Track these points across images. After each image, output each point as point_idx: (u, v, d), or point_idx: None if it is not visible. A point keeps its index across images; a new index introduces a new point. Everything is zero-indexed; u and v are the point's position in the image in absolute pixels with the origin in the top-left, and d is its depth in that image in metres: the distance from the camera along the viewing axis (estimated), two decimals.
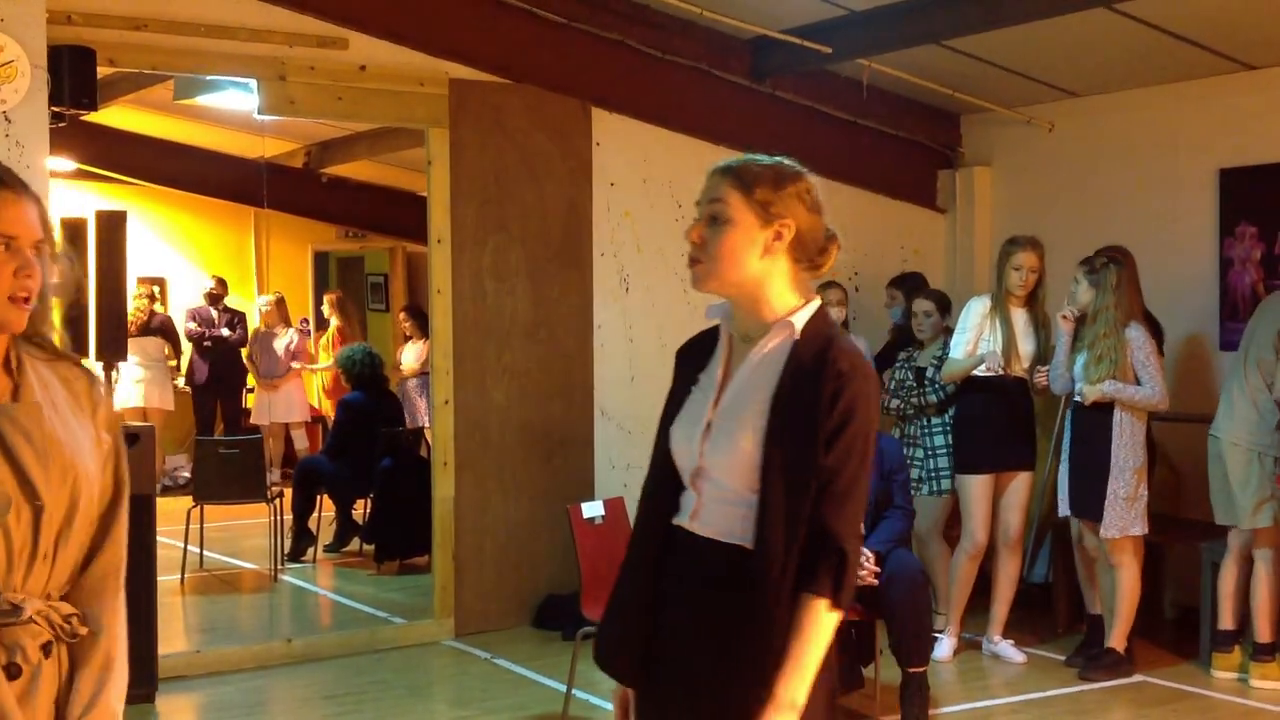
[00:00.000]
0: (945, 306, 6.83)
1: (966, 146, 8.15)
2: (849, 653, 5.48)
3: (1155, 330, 6.24)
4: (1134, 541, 5.94)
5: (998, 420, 6.22)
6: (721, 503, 2.36)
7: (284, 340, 11.22)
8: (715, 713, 2.33)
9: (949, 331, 6.79)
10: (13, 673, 2.00)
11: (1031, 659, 6.28)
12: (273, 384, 11.26)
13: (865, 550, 5.16)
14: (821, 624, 2.27)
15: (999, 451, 6.24)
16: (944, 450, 6.59)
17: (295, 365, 11.22)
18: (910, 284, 7.36)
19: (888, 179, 8.05)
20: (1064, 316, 6.12)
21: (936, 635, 5.96)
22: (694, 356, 2.51)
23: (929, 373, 6.66)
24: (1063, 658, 6.29)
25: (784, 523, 2.27)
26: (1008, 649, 6.29)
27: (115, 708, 2.15)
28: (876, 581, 5.11)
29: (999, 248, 6.43)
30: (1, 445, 1.99)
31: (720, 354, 2.46)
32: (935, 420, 6.61)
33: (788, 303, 2.40)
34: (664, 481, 2.47)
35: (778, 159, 2.46)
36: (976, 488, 6.24)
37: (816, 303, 2.42)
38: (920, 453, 6.62)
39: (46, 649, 2.04)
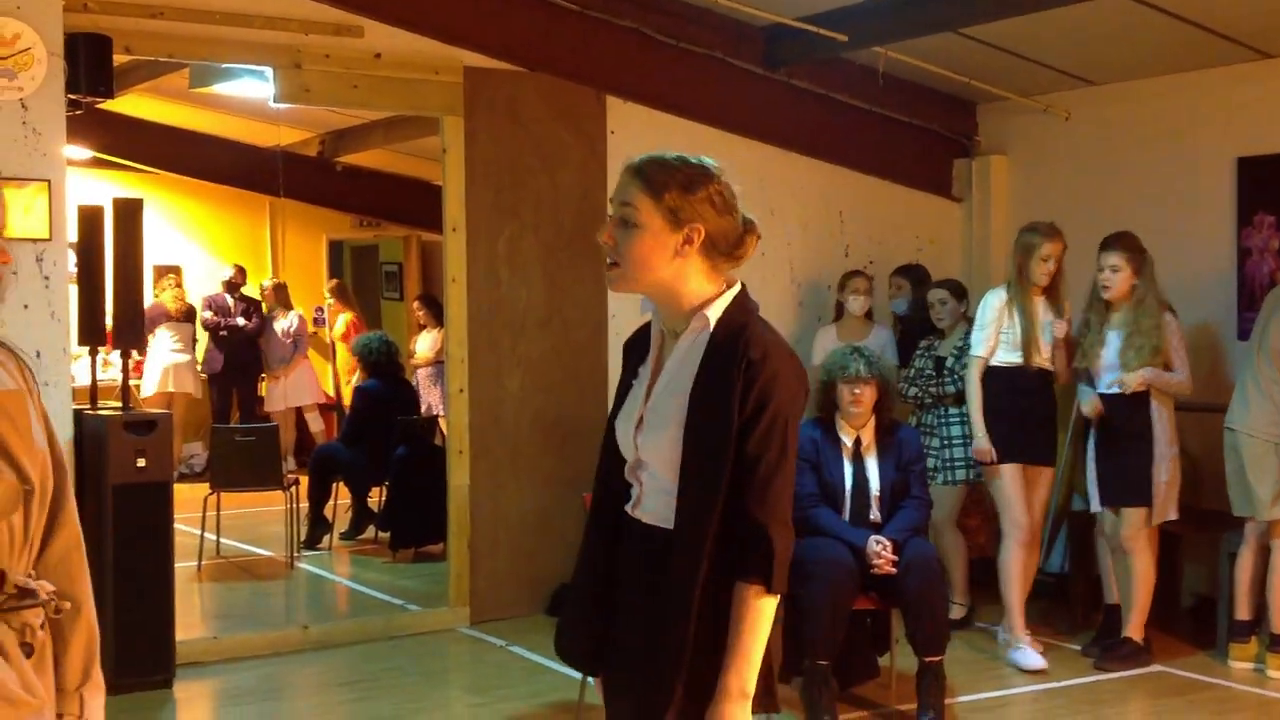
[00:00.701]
0: (960, 294, 6.82)
1: (982, 135, 8.12)
2: (865, 641, 5.49)
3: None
4: (1151, 531, 5.93)
5: (1019, 412, 6.09)
6: (659, 491, 2.43)
7: (283, 324, 11.28)
8: (646, 699, 2.38)
9: (968, 319, 6.78)
10: (26, 652, 2.06)
11: (1048, 648, 6.27)
12: (281, 369, 11.33)
13: (882, 539, 5.15)
14: (757, 610, 2.31)
15: (1022, 443, 6.10)
16: (959, 440, 6.58)
17: (296, 349, 11.28)
18: (917, 275, 7.32)
19: (903, 168, 8.03)
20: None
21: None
22: (637, 349, 2.57)
23: (948, 362, 6.64)
24: (1079, 648, 6.28)
25: (696, 508, 2.33)
26: (1030, 655, 5.98)
27: (101, 678, 2.23)
28: (894, 570, 5.11)
29: (1015, 237, 6.39)
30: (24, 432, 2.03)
31: (653, 348, 2.52)
32: (953, 410, 6.60)
33: (705, 294, 2.43)
34: (614, 471, 2.53)
35: (688, 159, 2.47)
36: (1005, 477, 6.09)
37: (733, 291, 2.45)
38: (936, 442, 6.60)
39: (43, 626, 2.10)
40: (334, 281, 12.02)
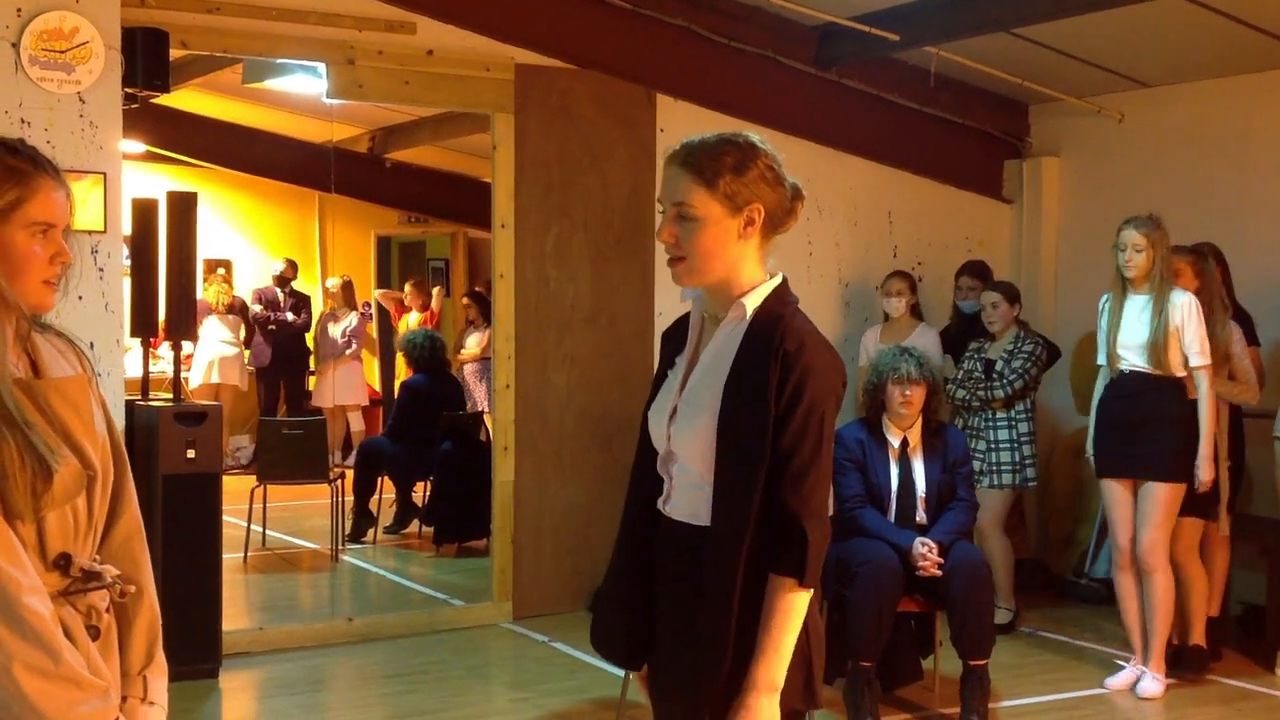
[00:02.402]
0: (1014, 297, 6.76)
1: (1035, 136, 8.06)
2: (909, 644, 5.46)
3: None
4: (1188, 536, 5.87)
5: (1123, 422, 5.62)
6: (688, 486, 2.39)
7: (343, 324, 11.34)
8: (690, 696, 2.36)
9: (1019, 322, 6.73)
10: (92, 635, 2.09)
11: (1091, 653, 6.21)
12: (330, 366, 11.39)
13: (928, 541, 5.13)
14: (790, 603, 2.28)
15: (1126, 456, 5.63)
16: (1006, 444, 6.54)
17: (350, 350, 11.34)
18: (982, 271, 7.22)
19: (953, 168, 7.98)
20: None
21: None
22: (676, 339, 2.52)
23: (998, 365, 6.59)
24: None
25: (733, 504, 2.29)
26: (1152, 683, 5.65)
27: (164, 661, 2.26)
28: (939, 573, 5.08)
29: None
30: (57, 419, 2.05)
31: (692, 337, 2.48)
32: (1000, 414, 6.56)
33: (753, 281, 2.39)
34: (647, 465, 2.49)
35: (730, 138, 2.38)
36: (1110, 493, 5.71)
37: (773, 281, 2.40)
38: (983, 445, 6.56)
39: (108, 610, 2.14)
40: (410, 283, 12.08)
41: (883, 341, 6.84)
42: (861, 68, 7.44)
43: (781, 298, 2.39)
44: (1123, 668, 5.78)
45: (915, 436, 5.37)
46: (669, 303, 7.15)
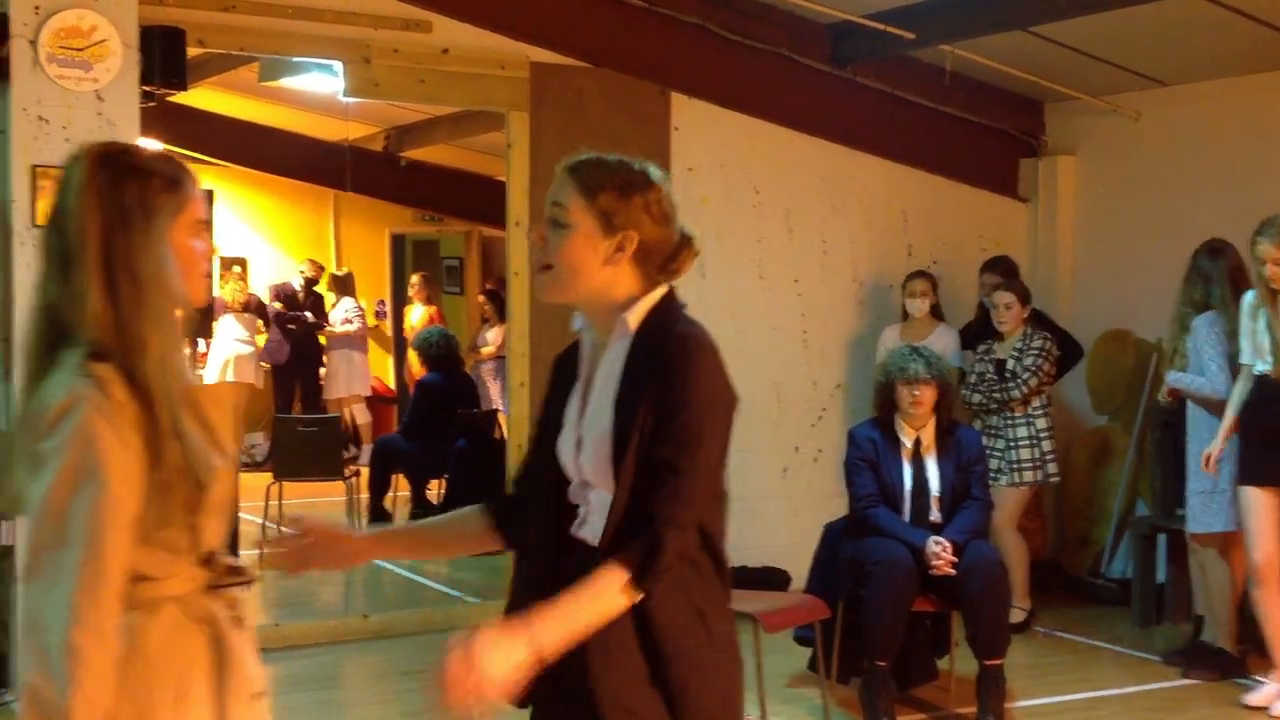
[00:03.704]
0: (1026, 298, 6.75)
1: (1050, 135, 8.03)
2: (924, 643, 5.46)
3: None
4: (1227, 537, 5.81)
5: (1270, 427, 5.39)
6: (603, 510, 2.25)
7: (336, 312, 11.45)
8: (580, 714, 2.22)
9: (1030, 323, 6.71)
10: (236, 625, 2.17)
11: (1107, 654, 6.21)
12: (329, 356, 11.46)
13: (942, 540, 5.12)
14: (611, 594, 2.12)
15: (1270, 463, 5.40)
16: (1025, 442, 6.53)
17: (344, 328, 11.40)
18: (1008, 268, 7.18)
19: (968, 167, 7.96)
20: None
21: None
22: (567, 368, 2.41)
23: (1009, 364, 6.58)
24: (1140, 653, 6.21)
25: (626, 522, 2.17)
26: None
27: None
28: (953, 572, 5.07)
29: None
30: (210, 424, 2.09)
31: (583, 366, 2.37)
32: (1019, 413, 6.54)
33: (629, 295, 2.29)
34: (550, 489, 2.36)
35: (629, 162, 2.33)
36: (1255, 502, 5.43)
37: (657, 293, 2.30)
38: (1001, 444, 6.55)
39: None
40: (419, 275, 12.10)
41: (903, 340, 6.83)
42: (876, 66, 7.42)
43: (667, 307, 2.30)
44: (1261, 684, 5.52)
45: (929, 436, 5.36)
46: (683, 300, 7.13)
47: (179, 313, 2.07)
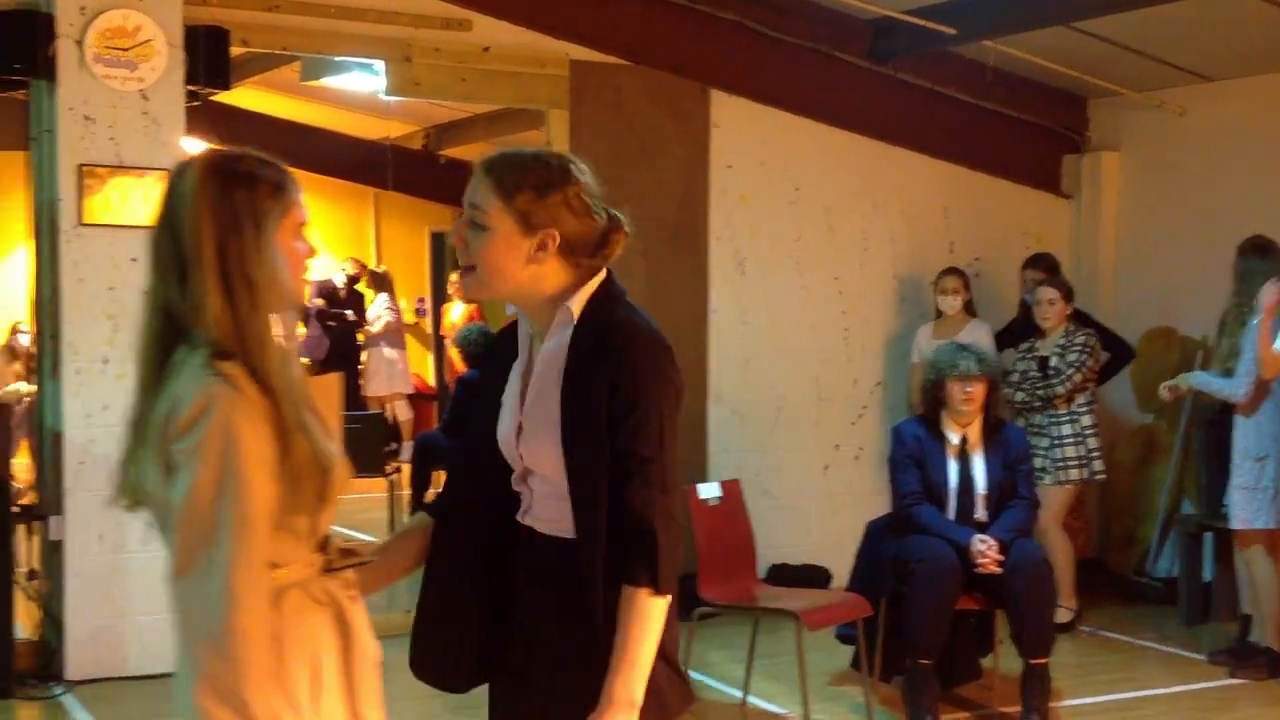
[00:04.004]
0: (1070, 295, 6.70)
1: (1094, 131, 7.97)
2: (968, 642, 5.43)
3: None
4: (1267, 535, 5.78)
5: None
6: (551, 497, 2.28)
7: (370, 309, 11.49)
8: (556, 714, 2.25)
9: (1072, 319, 6.66)
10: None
11: (1153, 653, 6.15)
12: (367, 354, 11.51)
13: (987, 538, 5.08)
14: (645, 613, 2.17)
15: None
16: (1070, 439, 6.48)
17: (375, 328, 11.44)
18: (1050, 264, 7.13)
19: (1011, 163, 7.91)
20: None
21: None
22: (504, 349, 2.42)
23: (1053, 361, 6.54)
24: (1186, 653, 6.15)
25: (592, 510, 2.20)
26: None
27: None
28: (999, 570, 5.04)
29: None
30: (319, 415, 2.17)
31: (522, 352, 2.37)
32: (1062, 409, 6.50)
33: (563, 286, 2.29)
34: (487, 477, 2.36)
35: (545, 157, 2.31)
36: None
37: (597, 279, 2.29)
38: (1045, 442, 6.50)
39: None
40: (458, 273, 12.16)
41: (935, 338, 6.80)
42: (917, 62, 7.39)
43: (607, 293, 2.30)
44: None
45: (975, 434, 5.32)
46: (723, 299, 7.14)
47: (288, 311, 2.16)
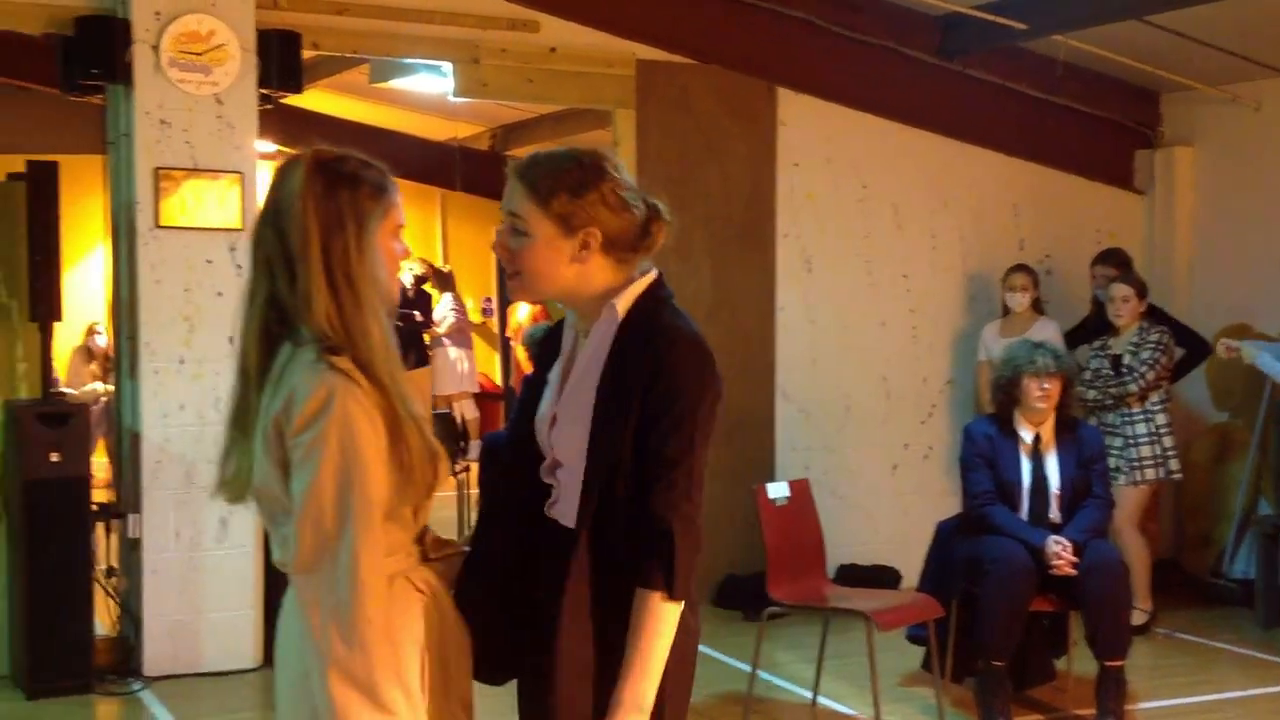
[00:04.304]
0: (1143, 292, 6.61)
1: (1167, 125, 7.85)
2: (1041, 643, 5.37)
3: None
4: None
5: None
6: (573, 489, 2.29)
7: (436, 310, 11.55)
8: (543, 702, 2.25)
9: (1146, 316, 6.57)
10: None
11: (1229, 655, 6.05)
12: (434, 353, 11.58)
13: (1063, 540, 5.02)
14: (658, 617, 2.17)
15: None
16: (1145, 438, 6.39)
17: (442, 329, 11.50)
18: (1122, 259, 7.03)
19: (1082, 159, 7.82)
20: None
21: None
22: (549, 346, 2.44)
23: (1125, 359, 6.45)
24: (1263, 655, 6.05)
25: (601, 505, 2.21)
26: None
27: None
28: (1074, 571, 4.98)
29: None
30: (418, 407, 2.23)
31: (565, 345, 2.40)
32: (1135, 408, 6.41)
33: (610, 285, 2.31)
34: (524, 463, 2.38)
35: (578, 155, 2.30)
36: None
37: (645, 279, 2.32)
38: (1119, 442, 6.41)
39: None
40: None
41: (1003, 336, 6.73)
42: (986, 57, 7.32)
43: (655, 295, 2.32)
44: None
45: (1048, 432, 5.26)
46: (790, 296, 7.12)
47: (385, 309, 2.19)
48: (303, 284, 2.10)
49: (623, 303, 2.29)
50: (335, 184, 2.14)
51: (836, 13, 7.02)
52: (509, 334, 11.98)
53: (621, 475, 2.21)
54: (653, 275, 2.34)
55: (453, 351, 11.70)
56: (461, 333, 11.80)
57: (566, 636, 2.24)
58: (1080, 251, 7.52)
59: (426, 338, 11.86)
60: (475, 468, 8.90)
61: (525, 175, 2.29)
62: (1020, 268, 7.05)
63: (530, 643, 2.32)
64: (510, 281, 2.34)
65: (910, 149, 7.37)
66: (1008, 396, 5.26)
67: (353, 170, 2.17)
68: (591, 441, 2.24)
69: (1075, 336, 6.95)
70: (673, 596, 2.17)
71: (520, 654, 2.36)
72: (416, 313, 11.71)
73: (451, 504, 8.36)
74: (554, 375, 2.38)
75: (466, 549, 2.33)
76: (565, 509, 2.31)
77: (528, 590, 2.34)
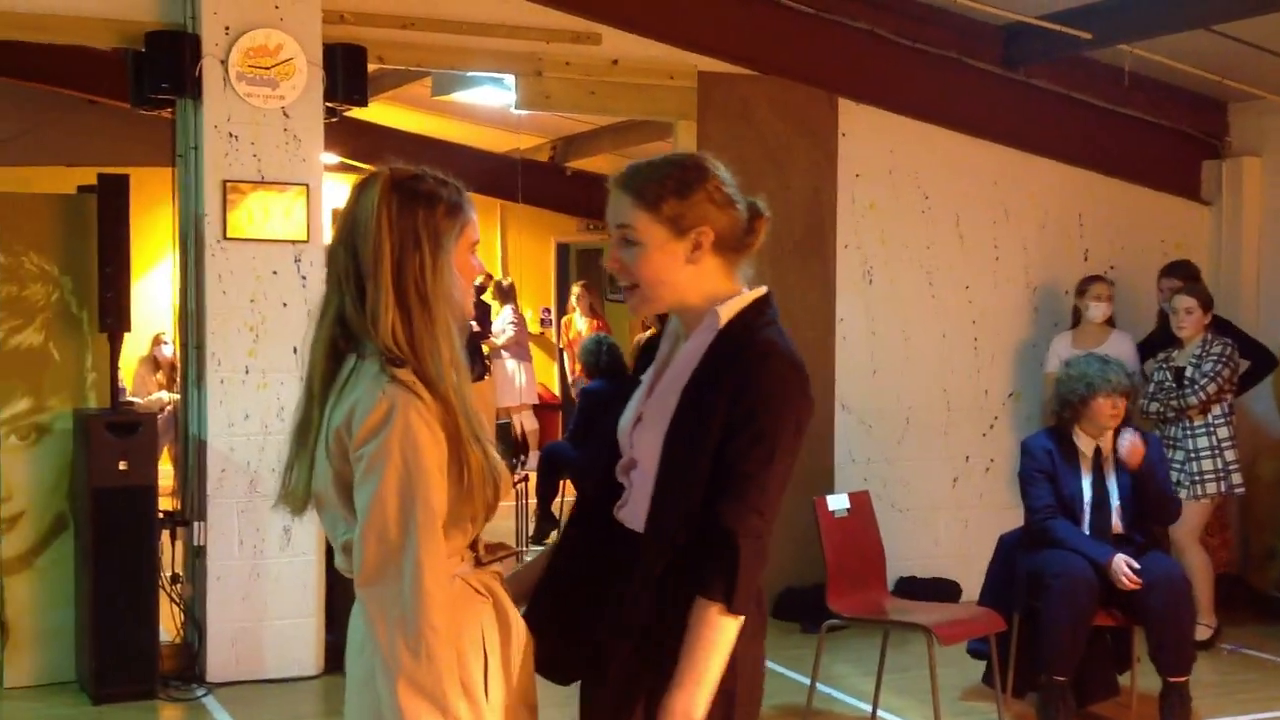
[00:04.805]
0: (1208, 304, 6.53)
1: (1234, 136, 7.75)
2: (1104, 658, 5.31)
3: None
4: None
5: None
6: (644, 492, 2.28)
7: (496, 322, 11.61)
8: (607, 707, 2.28)
9: (1210, 328, 6.49)
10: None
11: None
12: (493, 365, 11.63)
13: (1130, 560, 4.96)
14: (715, 629, 2.15)
15: None
16: (1207, 452, 6.31)
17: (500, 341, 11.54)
18: (1189, 272, 6.95)
19: (1147, 169, 7.73)
20: None
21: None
22: (651, 350, 2.47)
23: (1188, 372, 6.37)
24: None
25: (669, 510, 2.20)
26: None
27: None
28: (1138, 586, 4.92)
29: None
30: (481, 422, 2.24)
31: (663, 346, 2.41)
32: (1197, 423, 6.33)
33: (720, 293, 2.31)
34: (608, 463, 2.41)
35: (676, 159, 2.34)
36: None
37: (754, 293, 2.31)
38: (1181, 455, 6.34)
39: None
40: (579, 285, 12.26)
41: (1075, 347, 6.67)
42: (1050, 67, 7.27)
43: (759, 309, 2.31)
44: None
45: (1107, 445, 5.21)
46: (850, 308, 7.10)
47: (457, 325, 2.22)
48: (371, 301, 2.12)
49: (726, 311, 2.29)
50: (410, 202, 2.16)
51: (899, 23, 7.00)
52: (562, 345, 12.06)
53: (696, 484, 2.19)
54: (761, 291, 2.34)
55: (510, 364, 11.75)
56: (520, 345, 11.86)
57: (624, 642, 2.25)
58: (1146, 263, 7.45)
59: (486, 349, 11.94)
60: (534, 477, 8.97)
61: (629, 185, 2.30)
62: (1098, 278, 6.99)
63: (592, 646, 2.33)
64: (628, 296, 2.34)
65: (973, 160, 7.32)
66: (1074, 412, 5.20)
67: (429, 189, 2.19)
68: (666, 444, 2.23)
69: (1142, 351, 6.88)
70: (732, 609, 2.16)
71: (584, 655, 2.36)
72: (474, 324, 11.80)
73: (510, 514, 8.40)
74: (647, 377, 2.40)
75: (519, 550, 2.38)
76: (634, 511, 2.31)
77: (596, 592, 2.35)
